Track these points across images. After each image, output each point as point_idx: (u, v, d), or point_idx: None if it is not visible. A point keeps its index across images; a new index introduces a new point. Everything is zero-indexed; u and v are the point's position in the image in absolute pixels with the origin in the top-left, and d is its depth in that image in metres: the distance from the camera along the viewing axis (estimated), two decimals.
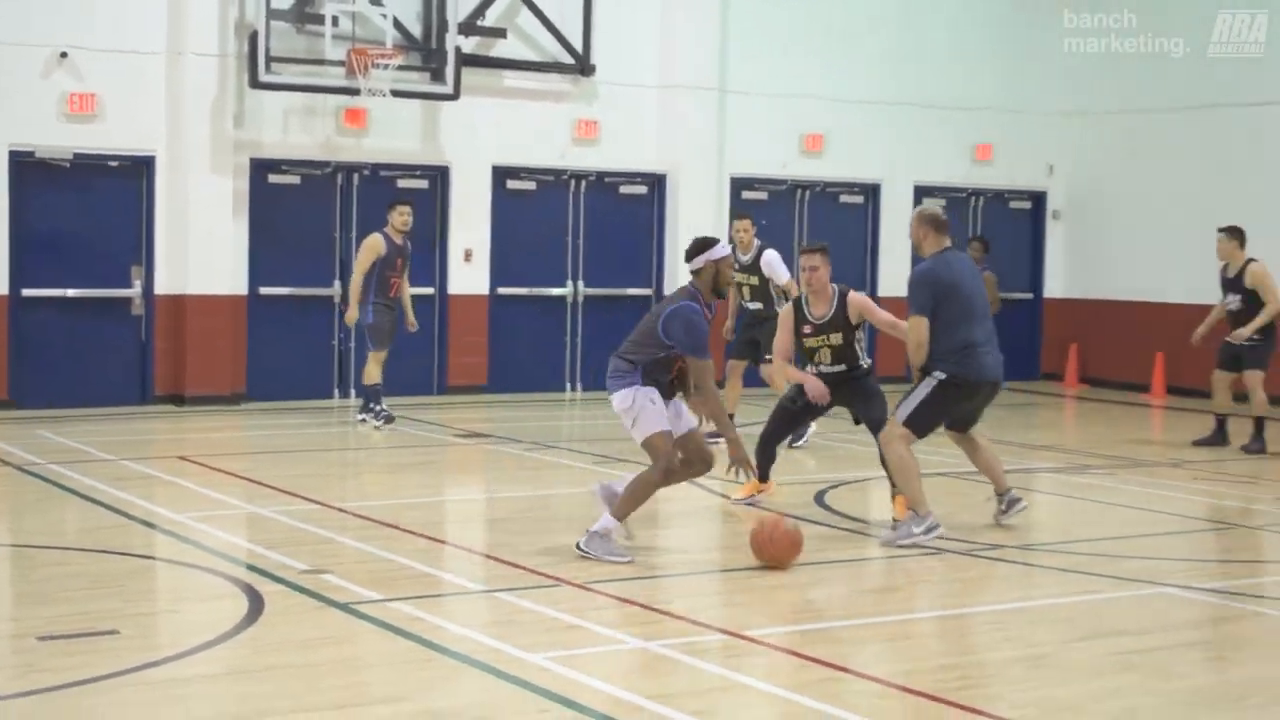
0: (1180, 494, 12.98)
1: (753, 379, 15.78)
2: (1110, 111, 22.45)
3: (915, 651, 7.94)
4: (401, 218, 16.14)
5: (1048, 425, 19.09)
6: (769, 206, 20.74)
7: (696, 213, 20.30)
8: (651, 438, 9.68)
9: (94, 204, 17.54)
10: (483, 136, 19.24)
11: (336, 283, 18.36)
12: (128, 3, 17.41)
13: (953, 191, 22.20)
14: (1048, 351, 23.17)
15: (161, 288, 17.66)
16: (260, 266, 18.18)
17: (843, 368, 11.47)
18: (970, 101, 22.21)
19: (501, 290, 19.60)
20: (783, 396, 11.97)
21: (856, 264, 21.46)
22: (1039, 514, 11.71)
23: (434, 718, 6.53)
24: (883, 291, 20.57)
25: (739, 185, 20.88)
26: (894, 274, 20.71)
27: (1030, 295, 23.23)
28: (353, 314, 16.01)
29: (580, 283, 20.11)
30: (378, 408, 16.11)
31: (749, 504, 11.65)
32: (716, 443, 11.15)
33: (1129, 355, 21.88)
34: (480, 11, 19.04)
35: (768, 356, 14.00)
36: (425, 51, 18.50)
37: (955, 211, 21.08)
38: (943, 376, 10.30)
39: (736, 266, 15.15)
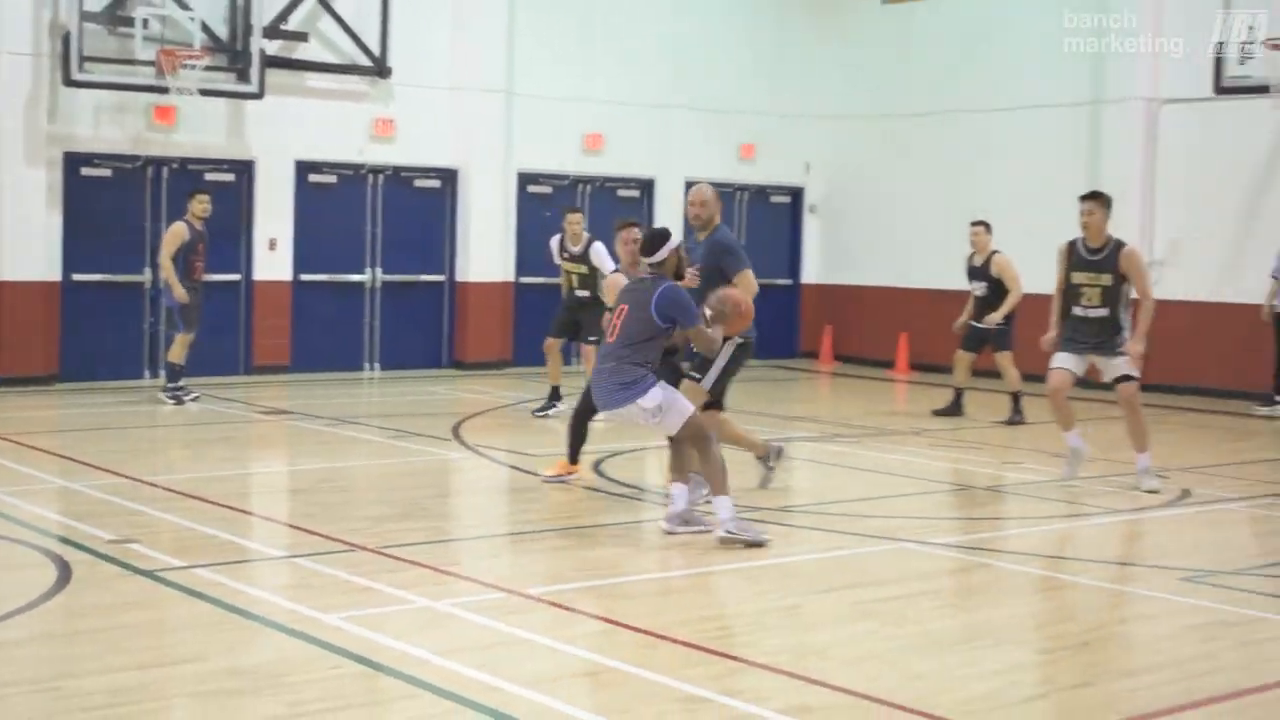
0: (920, 459, 13.28)
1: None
2: (861, 116, 22.88)
3: (679, 605, 8.01)
4: (201, 206, 15.98)
5: (804, 399, 19.40)
6: (553, 200, 20.72)
7: (486, 205, 20.30)
8: (690, 420, 9.29)
9: None
10: (286, 133, 18.91)
11: (147, 270, 17.90)
12: None
13: (720, 186, 22.29)
14: (805, 332, 23.56)
15: None
16: (74, 254, 17.60)
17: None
18: (736, 105, 22.46)
19: (304, 277, 19.30)
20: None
21: None
22: (795, 478, 11.89)
23: (234, 676, 6.41)
24: None
25: (525, 180, 20.84)
26: None
27: (789, 281, 23.57)
28: (180, 291, 15.75)
29: (378, 270, 19.89)
30: (174, 387, 15.86)
31: (560, 481, 11.29)
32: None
33: (877, 335, 22.35)
34: (284, 16, 18.71)
35: (591, 338, 14.05)
36: (231, 53, 18.11)
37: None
38: (740, 340, 10.36)
39: (567, 256, 15.22)
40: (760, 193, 23.19)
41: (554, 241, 15.55)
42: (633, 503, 10.86)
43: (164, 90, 17.31)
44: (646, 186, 21.93)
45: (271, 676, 6.40)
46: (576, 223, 15.29)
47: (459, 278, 20.36)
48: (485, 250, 20.34)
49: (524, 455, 12.69)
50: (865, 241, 22.86)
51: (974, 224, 16.16)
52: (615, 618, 7.52)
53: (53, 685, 6.29)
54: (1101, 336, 11.54)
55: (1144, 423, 11.66)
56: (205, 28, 17.68)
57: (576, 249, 15.16)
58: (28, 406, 15.77)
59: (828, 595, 8.17)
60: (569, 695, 6.26)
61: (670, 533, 9.47)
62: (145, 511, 10.00)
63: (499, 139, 20.39)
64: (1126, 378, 11.50)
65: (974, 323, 16.02)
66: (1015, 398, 15.81)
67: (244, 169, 18.77)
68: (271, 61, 18.34)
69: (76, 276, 17.70)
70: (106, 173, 17.96)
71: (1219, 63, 16.99)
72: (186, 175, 18.19)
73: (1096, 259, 11.54)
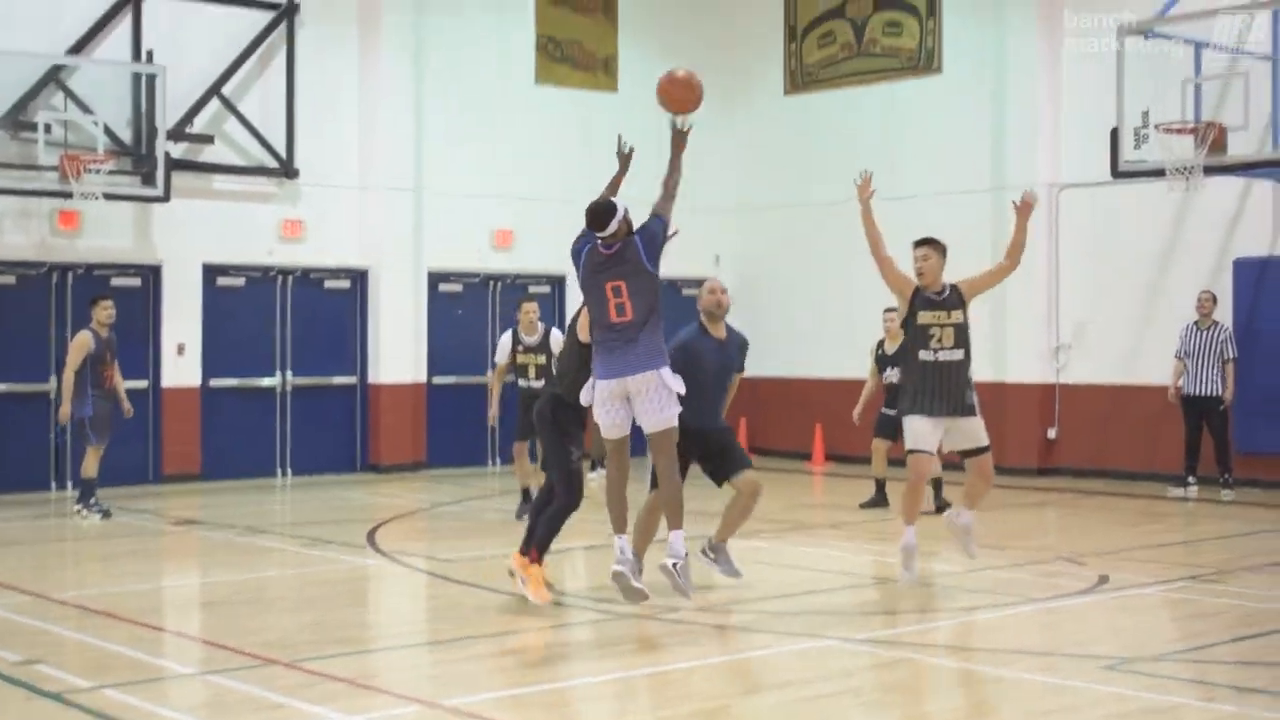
0: (840, 552, 13.26)
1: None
2: (767, 206, 23.07)
3: (604, 713, 7.88)
4: (105, 312, 15.60)
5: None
6: (464, 299, 20.67)
7: (397, 304, 20.19)
8: (673, 430, 9.77)
9: None
10: (193, 236, 18.79)
11: (52, 378, 17.60)
12: None
13: None
14: None
15: None
16: None
17: None
18: (646, 198, 22.37)
19: (214, 382, 19.08)
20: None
21: None
22: (718, 576, 11.79)
23: None
24: None
25: (436, 279, 20.78)
26: None
27: None
28: (66, 410, 15.37)
29: (289, 373, 19.71)
30: (93, 502, 15.47)
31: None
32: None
33: (792, 426, 22.39)
34: (189, 119, 18.65)
35: None
36: (136, 156, 17.99)
37: None
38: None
39: (523, 349, 14.83)
40: (672, 286, 23.24)
41: (504, 338, 15.05)
42: (556, 608, 10.71)
43: (68, 195, 17.15)
44: (557, 283, 21.90)
45: None
46: (532, 311, 14.77)
47: (371, 379, 20.19)
48: (397, 350, 20.21)
49: (441, 561, 12.53)
50: (776, 332, 22.91)
51: (889, 310, 16.16)
52: None
53: None
54: (957, 390, 10.96)
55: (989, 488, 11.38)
56: (109, 131, 17.57)
57: (533, 339, 14.72)
58: None
59: (751, 697, 8.08)
60: None
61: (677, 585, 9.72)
62: (52, 630, 9.75)
63: (408, 237, 20.35)
64: (985, 449, 11.13)
65: (886, 410, 16.00)
66: (936, 485, 15.67)
67: (151, 273, 18.59)
68: (177, 164, 18.23)
69: None
70: (10, 280, 17.73)
71: (1115, 147, 17.29)
72: (92, 281, 17.99)
73: (940, 298, 11.41)
